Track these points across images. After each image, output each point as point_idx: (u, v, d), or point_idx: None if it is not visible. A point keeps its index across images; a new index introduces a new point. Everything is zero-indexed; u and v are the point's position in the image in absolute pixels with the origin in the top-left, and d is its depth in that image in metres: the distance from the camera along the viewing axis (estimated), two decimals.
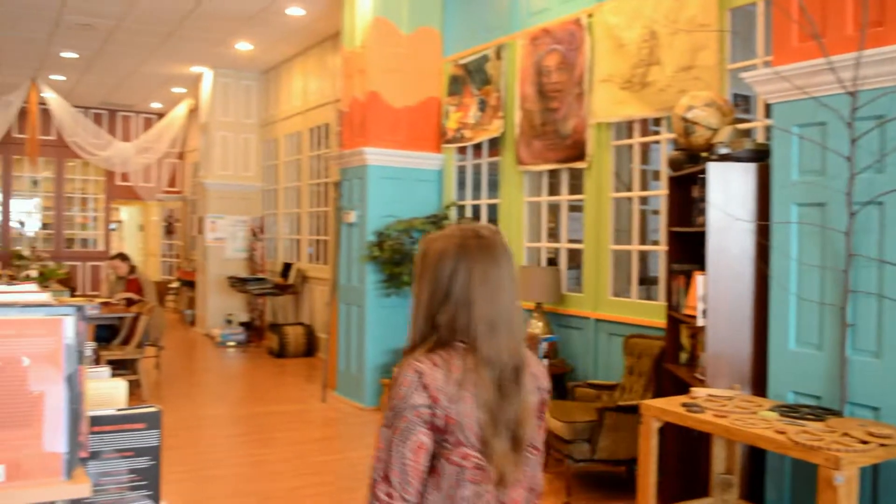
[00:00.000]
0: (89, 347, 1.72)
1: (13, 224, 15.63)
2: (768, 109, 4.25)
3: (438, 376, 1.73)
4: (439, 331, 1.80)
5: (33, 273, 11.37)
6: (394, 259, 7.55)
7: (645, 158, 7.06)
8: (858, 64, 3.45)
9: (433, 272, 1.82)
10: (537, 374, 1.91)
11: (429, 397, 1.71)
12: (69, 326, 1.38)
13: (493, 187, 7.58)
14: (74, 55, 11.56)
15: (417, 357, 1.76)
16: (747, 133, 4.96)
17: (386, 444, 1.72)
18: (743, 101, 7.04)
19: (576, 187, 6.80)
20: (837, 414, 3.51)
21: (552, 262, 7.14)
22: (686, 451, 4.58)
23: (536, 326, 6.29)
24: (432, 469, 1.75)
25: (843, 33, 3.61)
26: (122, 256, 8.92)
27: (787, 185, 3.88)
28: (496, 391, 1.77)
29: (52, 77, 13.04)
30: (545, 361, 6.08)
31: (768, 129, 4.58)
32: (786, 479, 3.86)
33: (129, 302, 8.52)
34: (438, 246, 1.84)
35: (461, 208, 7.94)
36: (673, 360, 4.79)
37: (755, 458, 4.13)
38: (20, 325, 1.35)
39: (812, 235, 3.77)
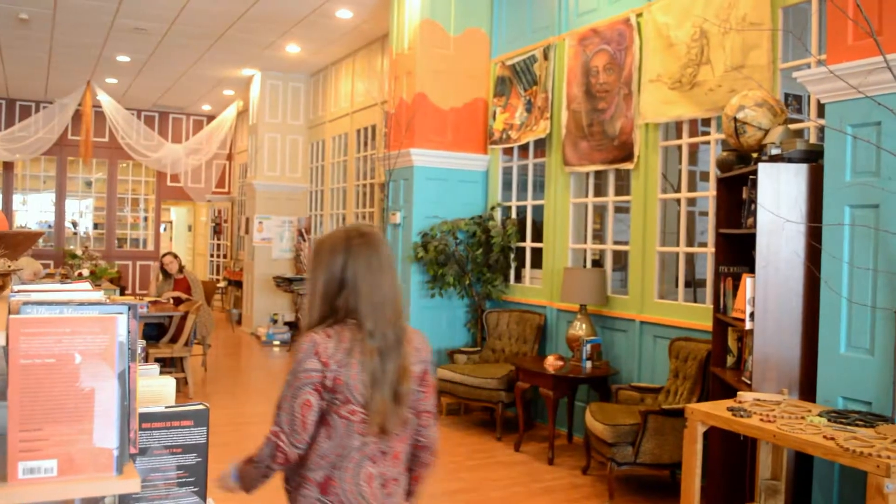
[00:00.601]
0: (140, 345, 1.76)
1: (67, 224, 15.99)
2: (821, 109, 4.16)
3: (329, 345, 2.13)
4: (337, 313, 2.19)
5: (85, 272, 11.60)
6: (438, 260, 7.57)
7: (693, 159, 6.98)
8: None
9: (327, 265, 2.21)
10: (420, 347, 2.32)
11: (320, 363, 2.11)
12: (122, 324, 1.41)
13: (539, 188, 7.55)
14: (127, 59, 11.79)
15: (315, 330, 2.16)
16: (799, 133, 4.87)
17: (281, 397, 2.14)
18: (795, 101, 6.92)
19: (622, 188, 6.75)
20: (889, 420, 3.43)
21: (597, 263, 7.09)
22: (731, 455, 4.52)
23: (580, 328, 6.25)
24: (325, 422, 2.15)
25: None
26: (174, 255, 9.07)
27: (840, 186, 3.80)
28: (379, 358, 2.16)
29: (106, 80, 13.32)
30: (588, 364, 6.05)
31: (821, 129, 4.49)
32: (834, 487, 3.78)
33: (178, 301, 8.66)
34: (329, 244, 2.24)
35: (506, 209, 7.92)
36: (719, 363, 4.72)
37: (802, 465, 4.05)
38: (75, 323, 1.38)
39: (865, 238, 3.68)
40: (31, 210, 16.08)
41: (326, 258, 2.22)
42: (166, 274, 9.01)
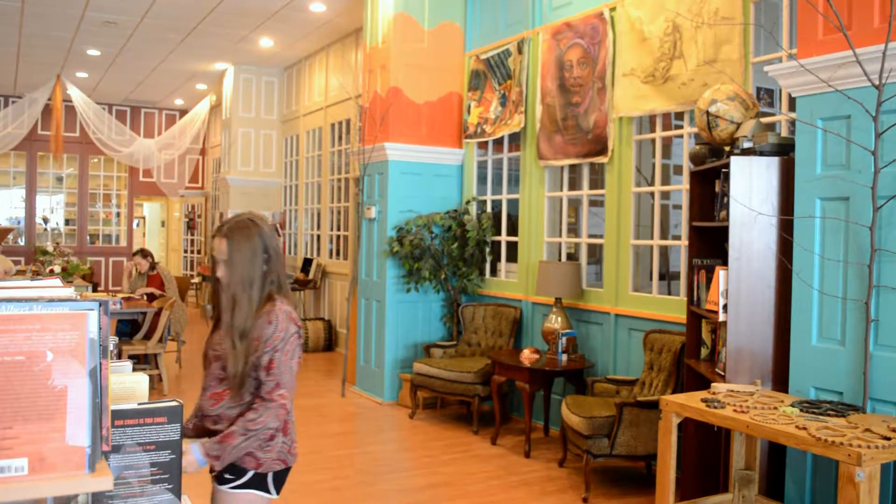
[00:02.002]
0: (112, 342, 1.74)
1: (37, 220, 15.79)
2: (792, 103, 4.20)
3: (293, 311, 2.61)
4: (271, 286, 2.59)
5: (57, 268, 11.47)
6: (414, 254, 7.56)
7: (666, 153, 7.02)
8: (885, 56, 3.41)
9: (255, 246, 2.58)
10: None
11: (297, 326, 2.59)
12: (92, 321, 1.39)
13: (514, 182, 7.56)
14: (98, 53, 11.65)
15: (278, 303, 2.56)
16: (771, 127, 4.91)
17: (278, 363, 2.51)
18: (767, 95, 6.98)
19: (596, 182, 6.78)
20: (859, 410, 3.48)
21: (572, 257, 7.12)
22: (706, 446, 4.56)
23: (556, 321, 6.28)
24: None
25: (870, 25, 3.57)
26: (144, 253, 8.98)
27: (810, 179, 3.84)
28: None
29: (77, 74, 13.16)
30: (564, 357, 6.07)
31: (792, 122, 4.54)
32: (806, 476, 3.83)
33: (151, 297, 8.59)
34: (253, 229, 2.59)
35: (481, 203, 7.93)
36: (693, 355, 4.77)
37: (775, 454, 4.10)
38: (45, 320, 1.36)
39: (836, 230, 3.73)
40: (1, 206, 15.86)
41: (256, 240, 2.59)
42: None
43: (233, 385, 2.53)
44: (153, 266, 8.89)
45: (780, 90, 4.97)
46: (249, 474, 2.56)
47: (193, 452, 2.39)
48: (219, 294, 2.63)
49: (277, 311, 2.55)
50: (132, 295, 8.75)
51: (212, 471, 2.57)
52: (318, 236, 11.87)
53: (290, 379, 2.54)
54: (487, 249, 7.74)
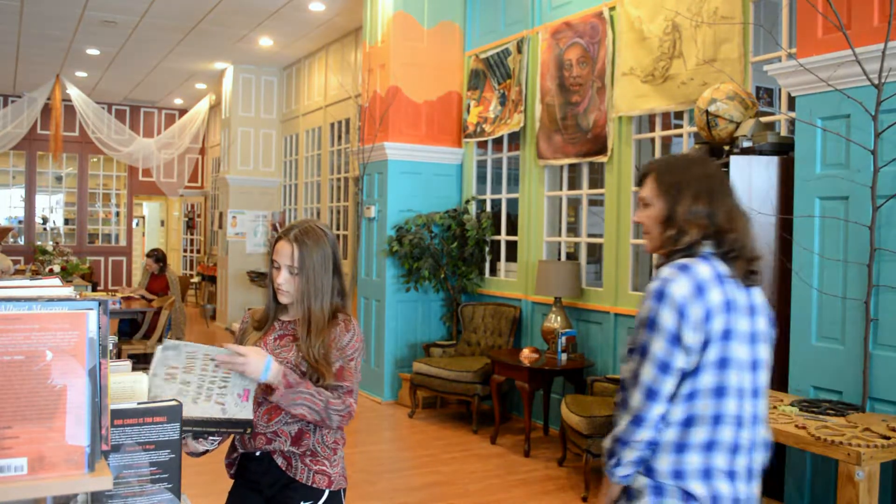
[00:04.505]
0: (111, 342, 1.74)
1: (37, 219, 15.78)
2: (792, 102, 4.21)
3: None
4: (339, 295, 2.50)
5: (56, 268, 11.47)
6: (413, 254, 7.56)
7: (666, 152, 7.01)
8: (884, 56, 3.41)
9: (326, 252, 2.46)
10: None
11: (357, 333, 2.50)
12: (92, 320, 1.39)
13: (513, 181, 7.56)
14: (97, 52, 11.64)
15: (348, 316, 2.47)
16: (770, 126, 4.92)
17: (351, 372, 2.40)
18: (766, 94, 6.98)
19: (596, 181, 6.78)
20: (859, 409, 3.48)
21: (571, 256, 7.12)
22: None
23: (555, 321, 6.28)
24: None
25: (869, 25, 3.57)
26: (156, 256, 8.96)
27: (810, 178, 3.85)
28: None
29: (76, 73, 13.15)
30: (563, 356, 6.07)
31: (792, 122, 4.54)
32: (806, 475, 3.83)
33: (148, 298, 8.61)
34: (322, 236, 2.47)
35: (481, 203, 7.93)
36: None
37: (775, 453, 4.10)
38: (44, 320, 1.36)
39: (835, 229, 3.73)
40: (1, 206, 15.85)
41: (336, 249, 2.53)
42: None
43: None
44: (162, 269, 8.90)
45: (780, 89, 4.97)
46: (325, 496, 2.40)
47: (268, 360, 2.24)
48: (271, 299, 2.54)
49: (353, 320, 2.49)
50: (132, 294, 8.76)
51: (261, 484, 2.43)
52: None
53: (357, 391, 2.44)
54: (487, 249, 7.74)
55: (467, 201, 7.94)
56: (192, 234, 17.17)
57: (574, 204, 7.30)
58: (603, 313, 6.26)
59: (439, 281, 7.76)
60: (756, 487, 2.05)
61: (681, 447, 1.95)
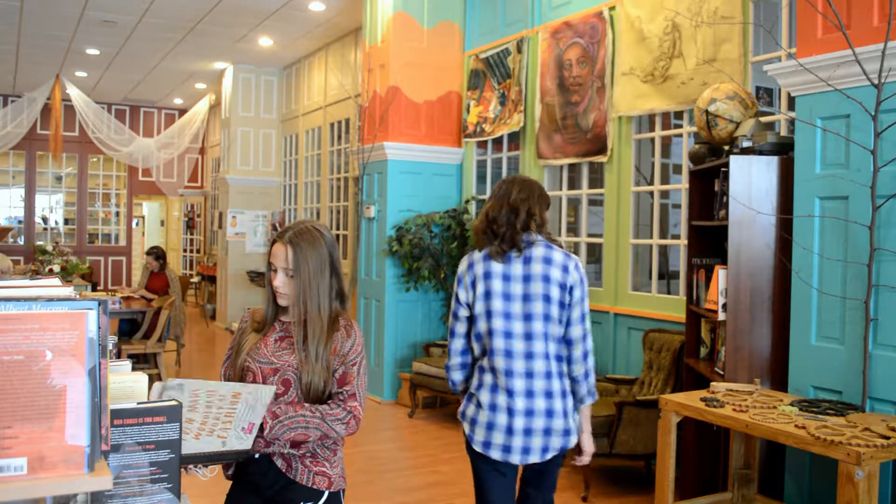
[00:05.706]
0: (111, 341, 1.74)
1: (37, 219, 15.78)
2: (792, 102, 4.20)
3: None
4: (338, 299, 2.48)
5: (56, 267, 11.46)
6: (413, 253, 7.56)
7: (666, 152, 7.03)
8: (884, 55, 3.41)
9: (323, 255, 2.43)
10: None
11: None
12: (92, 320, 1.39)
13: None
14: (97, 52, 11.64)
15: (348, 321, 2.46)
16: (770, 126, 4.92)
17: (354, 376, 2.38)
18: (766, 94, 6.99)
19: (595, 181, 6.78)
20: (858, 409, 3.48)
21: None
22: (705, 445, 4.56)
23: None
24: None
25: (869, 24, 3.57)
26: (156, 254, 8.95)
27: (810, 178, 3.85)
28: None
29: (76, 73, 13.15)
30: None
31: (791, 122, 4.54)
32: (805, 475, 3.83)
33: (148, 298, 8.60)
34: (319, 238, 2.44)
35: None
36: (693, 354, 4.77)
37: (774, 453, 4.10)
38: (44, 319, 1.36)
39: (835, 229, 3.73)
40: (0, 205, 15.85)
41: (334, 252, 2.50)
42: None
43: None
44: (162, 267, 8.90)
45: (780, 89, 4.98)
46: (325, 497, 2.39)
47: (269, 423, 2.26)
48: (270, 301, 2.51)
49: (354, 324, 2.45)
50: (132, 294, 8.76)
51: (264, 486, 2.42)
52: None
53: (363, 394, 2.40)
54: None
55: (467, 201, 7.94)
56: (191, 233, 17.17)
57: (574, 204, 7.30)
58: (603, 313, 6.26)
59: (439, 281, 7.76)
60: (520, 402, 2.85)
61: (479, 369, 2.97)
